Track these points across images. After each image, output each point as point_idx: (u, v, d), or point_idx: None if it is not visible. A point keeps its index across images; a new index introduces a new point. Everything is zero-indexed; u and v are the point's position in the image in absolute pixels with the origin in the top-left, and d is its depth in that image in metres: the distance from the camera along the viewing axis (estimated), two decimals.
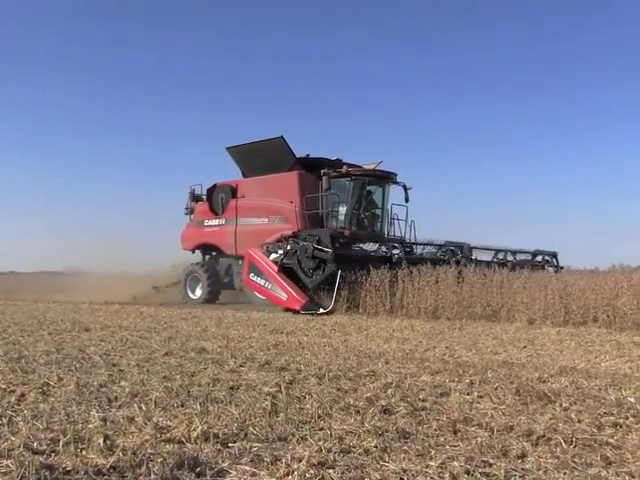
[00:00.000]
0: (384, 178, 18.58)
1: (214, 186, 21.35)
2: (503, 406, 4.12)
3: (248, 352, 6.68)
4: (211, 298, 20.19)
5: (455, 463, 2.85)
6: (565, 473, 2.80)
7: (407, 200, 18.52)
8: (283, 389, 4.48)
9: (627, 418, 3.83)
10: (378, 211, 18.94)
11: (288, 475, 2.65)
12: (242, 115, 69.00)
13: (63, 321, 10.76)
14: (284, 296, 14.67)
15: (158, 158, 76.08)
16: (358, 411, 3.84)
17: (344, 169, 17.67)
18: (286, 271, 15.15)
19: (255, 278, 15.67)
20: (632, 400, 4.34)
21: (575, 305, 11.36)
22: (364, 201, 18.32)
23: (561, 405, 4.16)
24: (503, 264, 17.01)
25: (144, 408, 3.79)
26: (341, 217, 17.93)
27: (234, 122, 65.83)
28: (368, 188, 18.38)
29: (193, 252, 21.96)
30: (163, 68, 72.30)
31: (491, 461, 2.92)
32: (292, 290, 14.54)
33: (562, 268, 18.92)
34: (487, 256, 18.13)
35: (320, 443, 3.06)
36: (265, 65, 73.12)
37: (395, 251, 16.62)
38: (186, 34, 72.08)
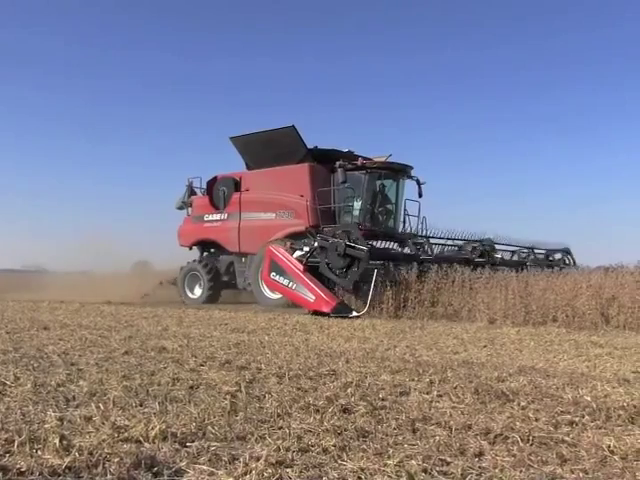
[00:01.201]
0: (400, 171, 17.66)
1: (214, 179, 20.18)
2: (462, 405, 4.15)
3: (209, 351, 6.65)
4: (212, 298, 19.26)
5: (413, 462, 2.87)
6: (521, 471, 2.83)
7: (420, 195, 17.70)
8: (243, 388, 4.47)
9: (583, 416, 3.89)
10: (392, 206, 18.00)
11: (246, 474, 2.64)
12: (237, 115, 68.39)
13: (22, 319, 10.61)
14: (311, 297, 13.48)
15: (136, 157, 75.22)
16: (318, 410, 3.85)
17: (359, 161, 16.89)
18: (311, 270, 14.09)
19: (277, 277, 14.44)
20: (588, 399, 4.40)
21: (535, 305, 11.53)
22: (379, 196, 17.55)
23: (519, 404, 4.20)
24: (524, 264, 16.52)
25: (102, 407, 3.76)
26: (356, 212, 16.99)
27: (228, 122, 65.36)
28: (383, 182, 17.61)
29: (190, 249, 20.85)
30: (168, 68, 71.61)
31: (449, 459, 2.94)
32: (321, 291, 13.42)
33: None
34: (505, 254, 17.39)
35: (279, 442, 3.07)
36: (263, 63, 72.74)
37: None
38: (183, 33, 71.52)
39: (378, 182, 17.42)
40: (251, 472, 2.66)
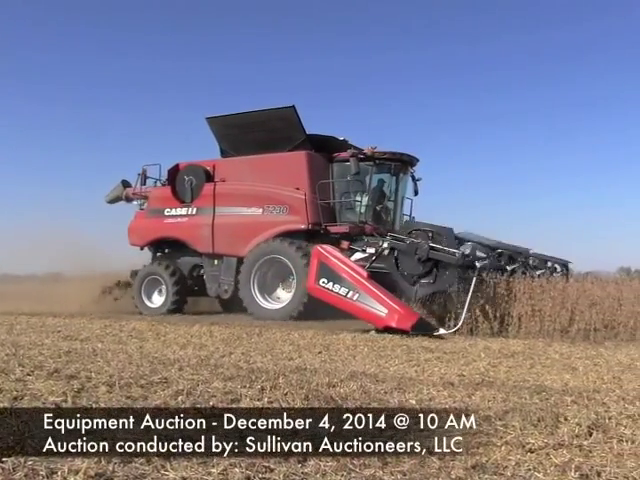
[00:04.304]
0: (408, 164, 15.99)
1: (176, 167, 17.30)
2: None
3: (37, 360, 6.38)
4: (178, 307, 16.36)
5: (237, 469, 2.91)
6: (343, 475, 2.93)
7: (417, 193, 16.35)
8: (69, 398, 4.35)
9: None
10: (391, 203, 16.18)
11: None
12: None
13: None
14: (382, 311, 10.92)
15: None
16: None
17: (368, 150, 15.02)
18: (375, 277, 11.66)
19: (329, 285, 11.61)
20: (413, 402, 4.61)
21: None
22: (386, 190, 15.93)
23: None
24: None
25: None
26: (362, 209, 15.25)
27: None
28: (386, 175, 15.80)
29: (142, 249, 17.75)
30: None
31: (272, 466, 2.99)
32: (396, 304, 11.02)
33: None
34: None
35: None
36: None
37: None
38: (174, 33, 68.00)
39: (385, 175, 15.82)
40: None
